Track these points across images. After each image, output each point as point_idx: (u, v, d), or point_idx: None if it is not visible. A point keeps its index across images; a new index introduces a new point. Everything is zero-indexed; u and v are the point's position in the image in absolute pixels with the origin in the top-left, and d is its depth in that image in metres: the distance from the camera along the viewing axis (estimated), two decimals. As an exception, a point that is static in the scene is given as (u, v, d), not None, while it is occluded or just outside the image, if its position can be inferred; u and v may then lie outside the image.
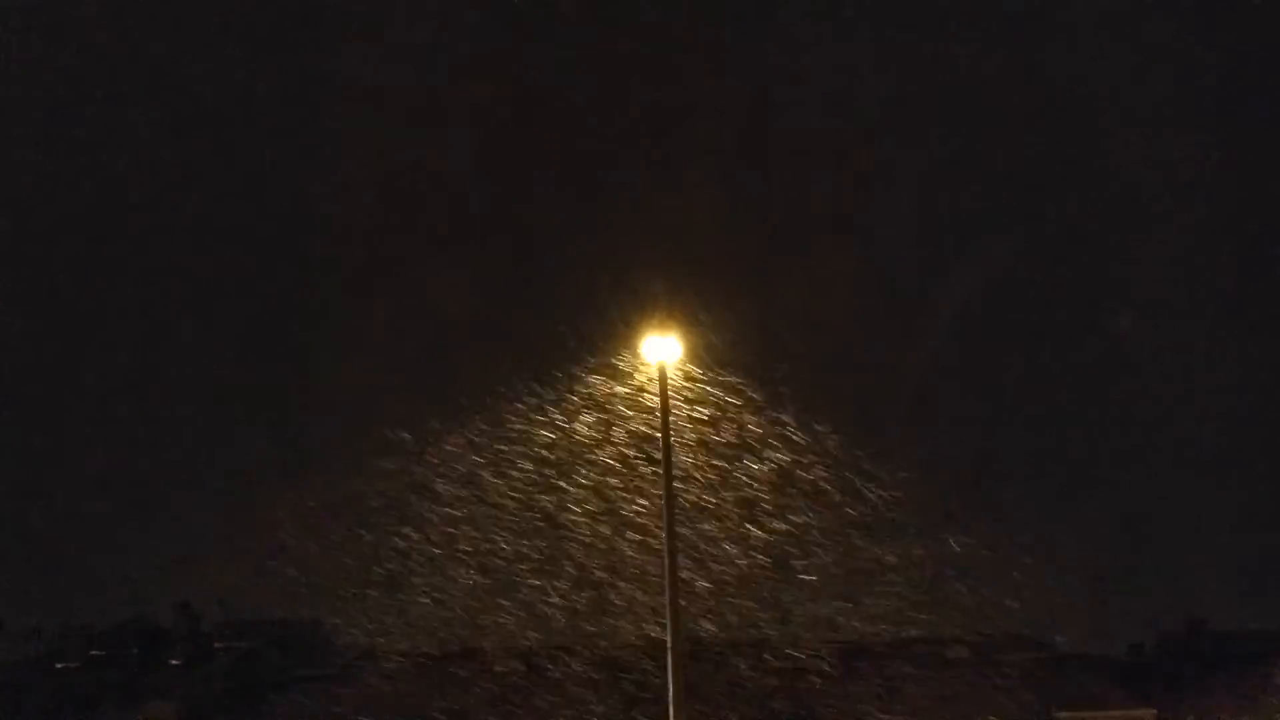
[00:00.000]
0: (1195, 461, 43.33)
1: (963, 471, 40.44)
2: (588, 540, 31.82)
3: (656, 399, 21.70)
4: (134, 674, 40.20)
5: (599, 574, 32.09)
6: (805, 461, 31.92)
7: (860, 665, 37.67)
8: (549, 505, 31.79)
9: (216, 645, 41.96)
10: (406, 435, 33.25)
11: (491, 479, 32.13)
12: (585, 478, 31.28)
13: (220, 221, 48.41)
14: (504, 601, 33.18)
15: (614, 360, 28.97)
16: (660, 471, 21.77)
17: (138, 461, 43.33)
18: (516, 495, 32.02)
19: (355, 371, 40.58)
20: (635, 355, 24.71)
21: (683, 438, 29.31)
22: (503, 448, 32.07)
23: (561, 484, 31.58)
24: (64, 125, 48.44)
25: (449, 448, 32.26)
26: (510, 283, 43.42)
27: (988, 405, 44.70)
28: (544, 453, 31.58)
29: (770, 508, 31.82)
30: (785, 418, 31.40)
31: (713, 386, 29.77)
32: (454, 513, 32.39)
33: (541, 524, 32.06)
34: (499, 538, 32.51)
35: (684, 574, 22.95)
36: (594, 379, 29.91)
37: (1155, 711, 37.42)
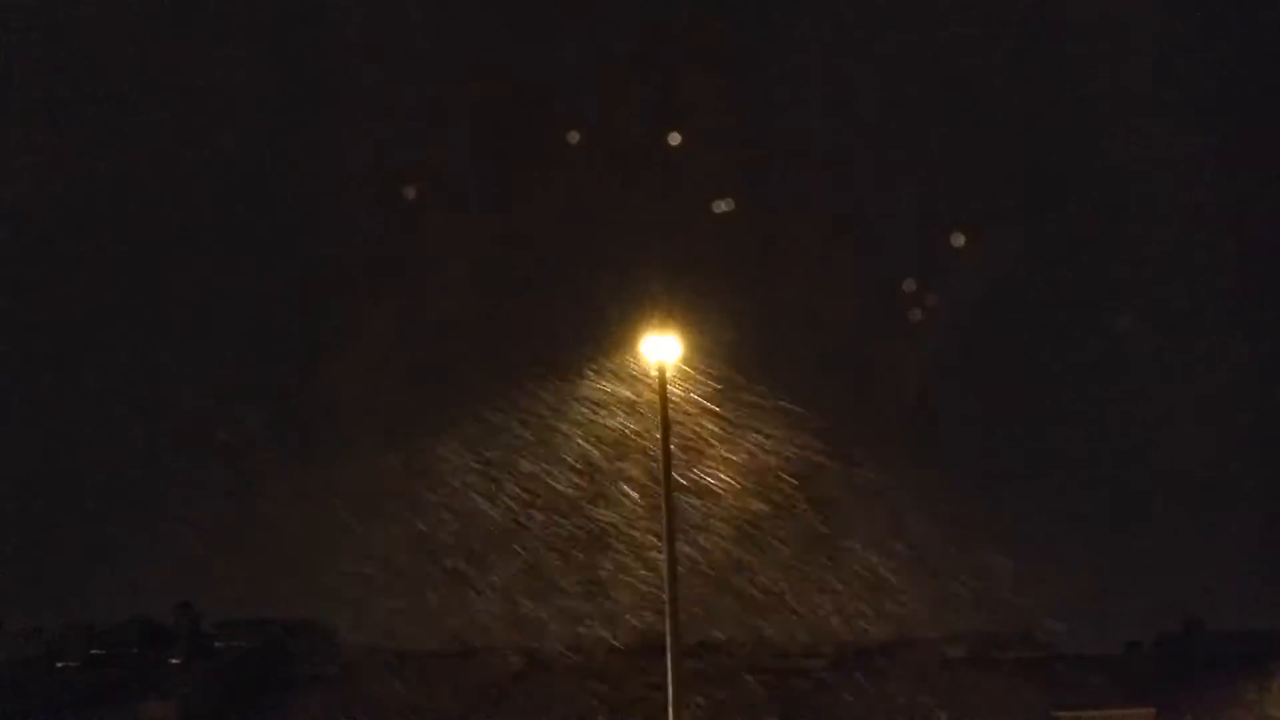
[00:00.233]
0: (1195, 461, 43.32)
1: (963, 471, 40.48)
2: (587, 540, 31.86)
3: (656, 399, 21.69)
4: (134, 673, 40.22)
5: (598, 573, 32.14)
6: (804, 461, 31.96)
7: (859, 665, 37.70)
8: (549, 505, 31.83)
9: (216, 645, 42.01)
10: (407, 436, 33.34)
11: (491, 479, 32.18)
12: (585, 477, 31.31)
13: (221, 221, 48.42)
14: (504, 601, 33.24)
15: (613, 360, 29.01)
16: (659, 472, 21.78)
17: (138, 461, 43.33)
18: (516, 495, 32.06)
19: (356, 372, 40.57)
20: (635, 355, 24.71)
21: (682, 437, 29.31)
22: (502, 448, 32.12)
23: (561, 484, 31.62)
24: (64, 125, 48.45)
25: (449, 448, 32.31)
26: (510, 283, 43.40)
27: (988, 405, 44.74)
28: (544, 452, 31.62)
29: (769, 507, 31.86)
30: (784, 417, 31.44)
31: (712, 386, 29.79)
32: (454, 513, 32.44)
33: (541, 524, 32.11)
34: (499, 538, 32.56)
35: (683, 573, 22.95)
36: (594, 379, 29.94)
37: (1154, 711, 37.45)
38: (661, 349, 21.14)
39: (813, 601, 33.39)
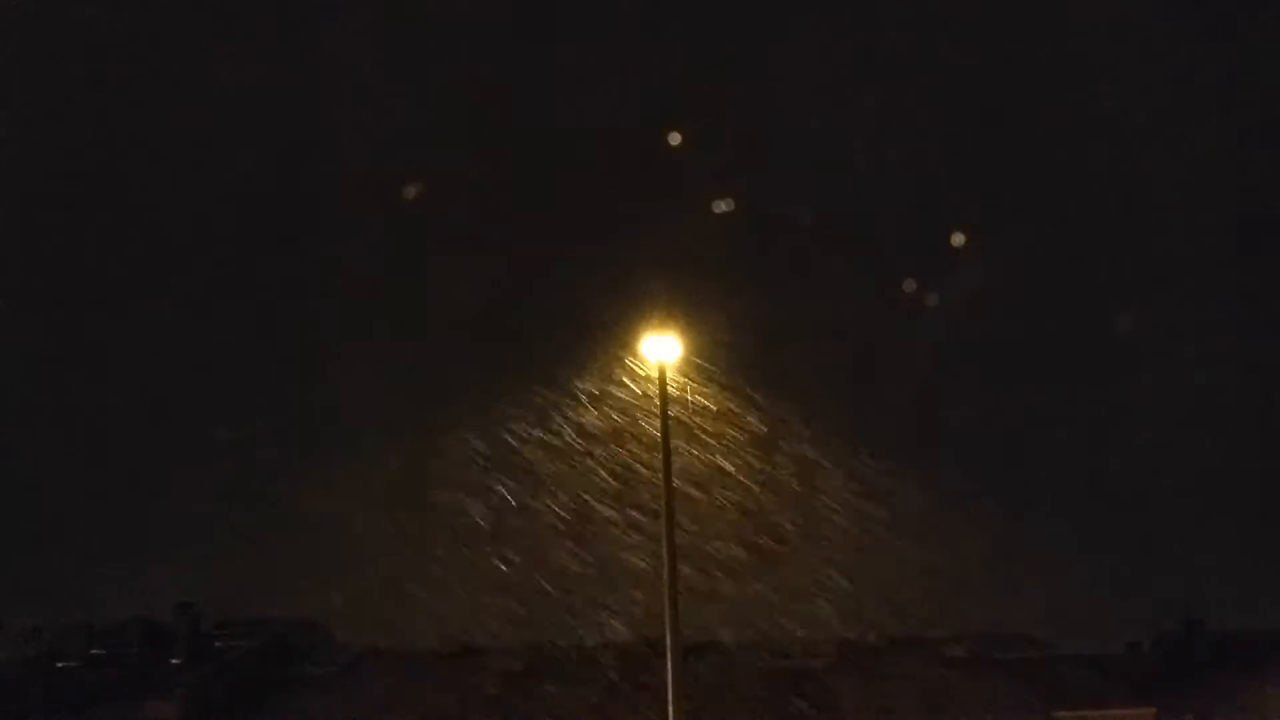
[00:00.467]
0: (1195, 461, 43.39)
1: (962, 471, 40.54)
2: (587, 539, 31.88)
3: (656, 399, 21.68)
4: (134, 673, 40.19)
5: (598, 573, 32.16)
6: (804, 461, 31.99)
7: (859, 665, 37.72)
8: (549, 505, 31.85)
9: (217, 645, 42.00)
10: (407, 436, 33.37)
11: (491, 479, 32.20)
12: (585, 477, 31.33)
13: (220, 220, 48.49)
14: (504, 601, 33.26)
15: (613, 360, 29.01)
16: (659, 471, 21.77)
17: (138, 461, 43.38)
18: (516, 495, 32.09)
19: (357, 373, 40.64)
20: (635, 355, 24.71)
21: (682, 437, 29.34)
22: (502, 448, 32.14)
23: (561, 484, 31.65)
24: (64, 125, 48.48)
25: (449, 448, 32.34)
26: (509, 283, 43.43)
27: (988, 405, 44.78)
28: (543, 453, 31.64)
29: (769, 507, 31.89)
30: (784, 417, 31.46)
31: (712, 386, 29.81)
32: (453, 513, 32.47)
33: (541, 523, 32.13)
34: (498, 537, 32.58)
35: (683, 573, 22.95)
36: (594, 379, 29.95)
37: (1154, 711, 37.44)
38: (661, 349, 21.12)
39: (813, 601, 33.43)
